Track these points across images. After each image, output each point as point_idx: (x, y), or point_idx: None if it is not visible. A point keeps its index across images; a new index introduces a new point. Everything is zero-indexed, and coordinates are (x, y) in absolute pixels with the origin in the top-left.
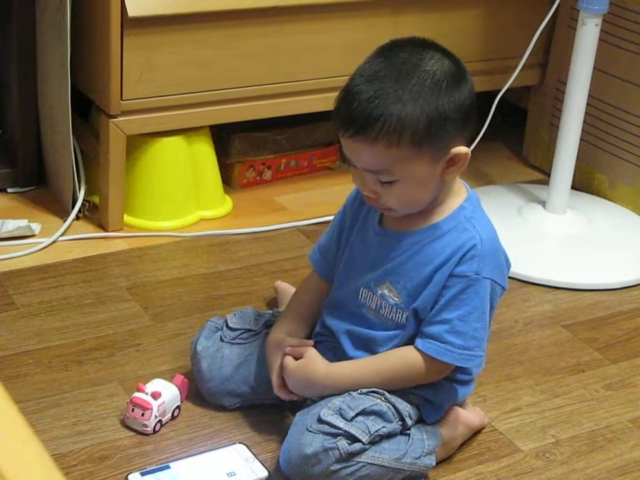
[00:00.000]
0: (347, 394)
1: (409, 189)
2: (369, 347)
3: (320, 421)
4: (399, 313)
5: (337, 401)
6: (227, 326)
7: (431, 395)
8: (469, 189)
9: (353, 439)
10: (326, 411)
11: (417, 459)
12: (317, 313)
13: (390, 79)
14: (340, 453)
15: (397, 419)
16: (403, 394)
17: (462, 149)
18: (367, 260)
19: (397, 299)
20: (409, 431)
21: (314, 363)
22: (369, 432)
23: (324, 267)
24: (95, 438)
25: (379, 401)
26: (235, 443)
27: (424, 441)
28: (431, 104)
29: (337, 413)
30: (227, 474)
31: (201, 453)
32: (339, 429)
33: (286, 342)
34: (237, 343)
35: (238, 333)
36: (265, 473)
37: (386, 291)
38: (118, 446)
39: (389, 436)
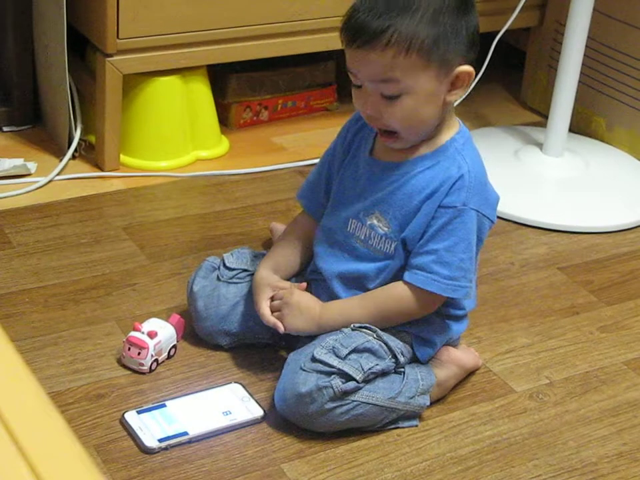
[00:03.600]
0: (339, 331)
1: (413, 105)
2: (361, 284)
3: (314, 359)
4: (388, 242)
5: (330, 340)
6: (224, 265)
7: (423, 332)
8: (462, 124)
9: (347, 377)
10: (319, 349)
11: (410, 398)
12: (305, 249)
13: None
14: (334, 392)
15: (390, 356)
16: (395, 332)
17: (467, 68)
18: (356, 190)
19: (386, 229)
20: (402, 369)
21: (307, 302)
22: (363, 369)
23: (311, 203)
24: (92, 376)
25: (370, 338)
26: (231, 382)
27: (418, 381)
28: (439, 19)
29: (330, 352)
30: (223, 413)
31: (197, 392)
32: (333, 367)
33: (270, 279)
34: (234, 283)
35: (235, 272)
36: (260, 412)
37: (375, 221)
38: (114, 384)
39: (383, 374)
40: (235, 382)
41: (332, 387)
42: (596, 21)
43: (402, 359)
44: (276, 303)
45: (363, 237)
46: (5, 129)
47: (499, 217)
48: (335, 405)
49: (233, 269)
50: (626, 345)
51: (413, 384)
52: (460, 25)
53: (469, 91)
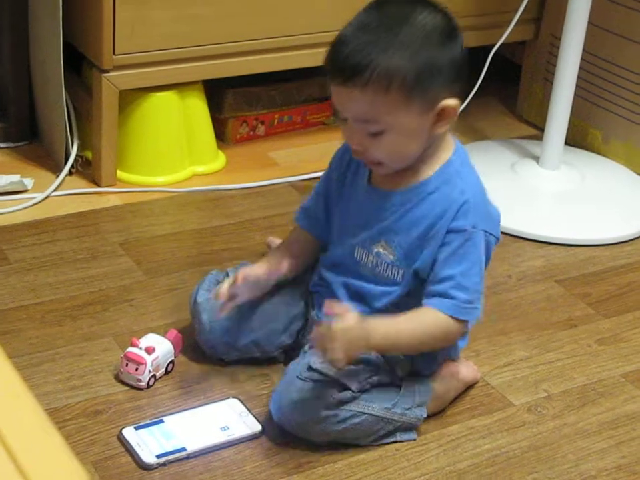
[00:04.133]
0: None
1: (397, 140)
2: (365, 299)
3: (310, 369)
4: (395, 270)
5: None
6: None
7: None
8: (458, 143)
9: (343, 386)
10: (316, 359)
11: (407, 409)
12: (302, 257)
13: (381, 29)
14: (329, 400)
15: (387, 369)
16: None
17: (451, 102)
18: (360, 219)
19: (392, 257)
20: (400, 382)
21: (354, 333)
22: (358, 379)
23: (308, 222)
24: (89, 392)
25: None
26: (229, 397)
27: (415, 392)
28: (421, 54)
29: (326, 361)
30: (221, 428)
31: (195, 407)
32: (329, 376)
33: (251, 272)
34: None
35: None
36: (258, 427)
37: (381, 249)
38: (112, 400)
39: (380, 385)
40: (233, 397)
41: (327, 396)
42: (591, 34)
43: (399, 372)
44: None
45: (370, 265)
46: (1, 145)
47: None
48: (330, 413)
49: None
50: (624, 358)
51: (409, 395)
52: (443, 58)
53: (465, 104)
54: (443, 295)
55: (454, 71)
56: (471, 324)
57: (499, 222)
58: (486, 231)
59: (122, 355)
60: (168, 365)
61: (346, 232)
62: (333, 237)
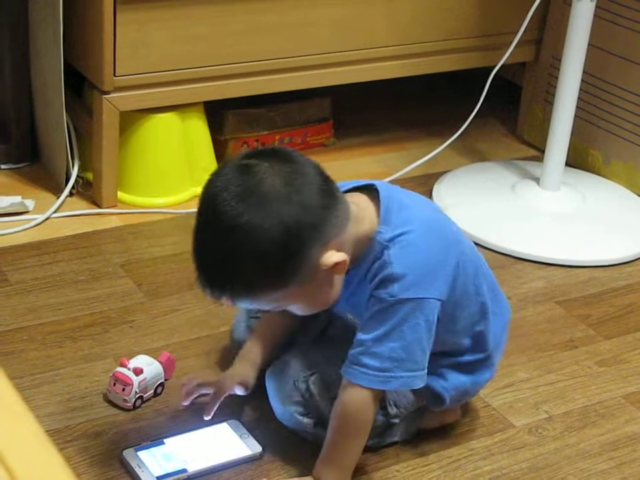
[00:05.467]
0: (335, 365)
1: (304, 303)
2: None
3: (296, 389)
4: None
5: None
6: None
7: (435, 385)
8: (381, 195)
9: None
10: (302, 384)
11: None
12: (278, 335)
13: (217, 247)
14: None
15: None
16: None
17: (332, 259)
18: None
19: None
20: (395, 420)
21: None
22: None
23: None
24: (90, 414)
25: None
26: (229, 419)
27: (398, 432)
28: (267, 263)
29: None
30: (221, 449)
31: (195, 428)
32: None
33: (232, 381)
34: (257, 317)
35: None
36: (259, 449)
37: (351, 316)
38: (112, 422)
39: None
40: (234, 418)
41: (305, 429)
42: (592, 55)
43: (392, 410)
44: None
45: (352, 319)
46: (2, 166)
47: (496, 252)
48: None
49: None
50: (624, 379)
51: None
52: (268, 254)
53: (465, 125)
54: (352, 360)
55: (294, 250)
56: (488, 377)
57: (448, 279)
58: (417, 298)
59: (111, 374)
60: (157, 387)
61: None
62: None
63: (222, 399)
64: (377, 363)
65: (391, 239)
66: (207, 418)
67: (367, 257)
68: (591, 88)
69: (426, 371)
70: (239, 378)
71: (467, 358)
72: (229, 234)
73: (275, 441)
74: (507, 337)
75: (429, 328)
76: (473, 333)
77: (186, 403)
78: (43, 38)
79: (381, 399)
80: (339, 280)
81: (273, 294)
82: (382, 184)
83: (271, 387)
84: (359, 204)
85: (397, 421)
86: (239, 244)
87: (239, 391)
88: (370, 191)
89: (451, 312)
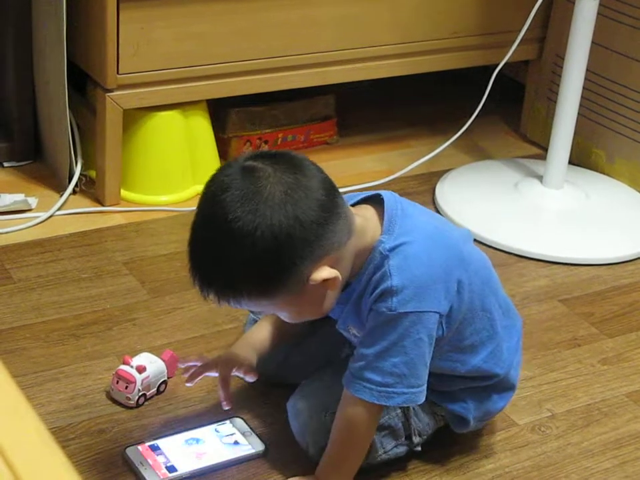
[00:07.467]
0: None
1: (287, 314)
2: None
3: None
4: None
5: None
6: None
7: (456, 408)
8: (386, 205)
9: None
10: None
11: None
12: (280, 334)
13: (210, 245)
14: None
15: (404, 436)
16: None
17: (321, 275)
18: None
19: (360, 335)
20: (418, 448)
21: None
22: (383, 448)
23: None
24: (93, 412)
25: (394, 414)
26: (233, 416)
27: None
28: (255, 268)
29: None
30: (225, 447)
31: (199, 426)
32: None
33: (234, 362)
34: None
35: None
36: (262, 447)
37: (355, 331)
38: (115, 419)
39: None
40: (237, 416)
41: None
42: (595, 54)
43: (416, 440)
44: None
45: (353, 337)
46: (5, 164)
47: (499, 250)
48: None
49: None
50: (628, 377)
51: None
52: (286, 257)
53: (469, 124)
54: (354, 374)
55: (281, 265)
56: (508, 397)
57: (450, 290)
58: (417, 312)
59: (114, 372)
60: (160, 385)
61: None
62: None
63: (229, 380)
64: (379, 377)
65: (392, 249)
66: (227, 408)
67: (368, 266)
68: (595, 86)
69: (426, 385)
70: (243, 361)
71: (484, 383)
72: (221, 236)
73: (279, 439)
74: (522, 353)
75: (430, 342)
76: (484, 352)
77: (190, 384)
78: (47, 36)
79: (406, 429)
80: (332, 294)
81: (259, 300)
82: (388, 194)
83: (296, 416)
84: (365, 216)
85: (419, 449)
86: (230, 247)
87: (249, 379)
88: (377, 201)
89: (456, 327)
